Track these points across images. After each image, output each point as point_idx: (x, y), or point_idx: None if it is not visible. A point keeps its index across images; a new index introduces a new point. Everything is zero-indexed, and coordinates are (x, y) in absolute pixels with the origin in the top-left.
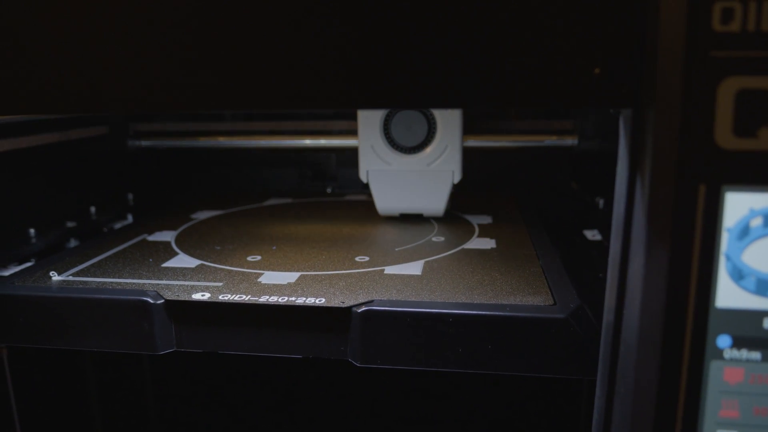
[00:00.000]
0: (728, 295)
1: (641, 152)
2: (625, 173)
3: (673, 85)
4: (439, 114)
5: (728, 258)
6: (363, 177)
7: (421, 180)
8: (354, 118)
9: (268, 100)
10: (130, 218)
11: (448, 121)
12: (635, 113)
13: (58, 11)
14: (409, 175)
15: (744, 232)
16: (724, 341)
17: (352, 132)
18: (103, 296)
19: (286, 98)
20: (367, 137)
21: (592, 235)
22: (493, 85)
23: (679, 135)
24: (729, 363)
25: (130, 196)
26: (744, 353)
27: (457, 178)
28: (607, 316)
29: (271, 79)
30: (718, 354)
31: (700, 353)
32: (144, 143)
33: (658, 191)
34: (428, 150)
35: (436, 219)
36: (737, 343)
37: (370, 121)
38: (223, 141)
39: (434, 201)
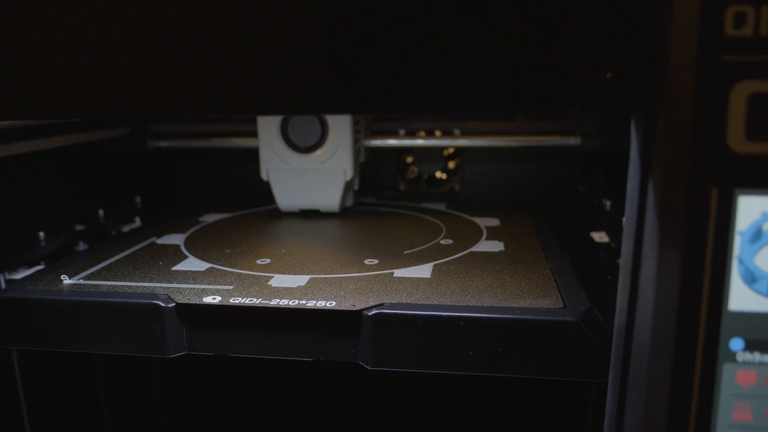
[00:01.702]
0: (741, 298)
1: (653, 156)
2: (637, 176)
3: (686, 89)
4: (331, 117)
5: (741, 261)
6: (264, 175)
7: (316, 178)
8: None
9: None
10: (138, 221)
11: (339, 124)
12: (647, 117)
13: (66, 19)
14: (305, 173)
15: (756, 236)
16: (736, 344)
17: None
18: (114, 300)
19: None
20: (267, 138)
21: (599, 237)
22: (505, 89)
23: (692, 139)
24: (742, 366)
25: (138, 198)
26: (757, 356)
27: (348, 176)
28: (619, 318)
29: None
30: (731, 357)
31: (713, 356)
32: (163, 144)
33: (671, 194)
34: (321, 150)
35: (445, 222)
36: (750, 346)
37: (269, 123)
38: (233, 142)
39: (329, 197)
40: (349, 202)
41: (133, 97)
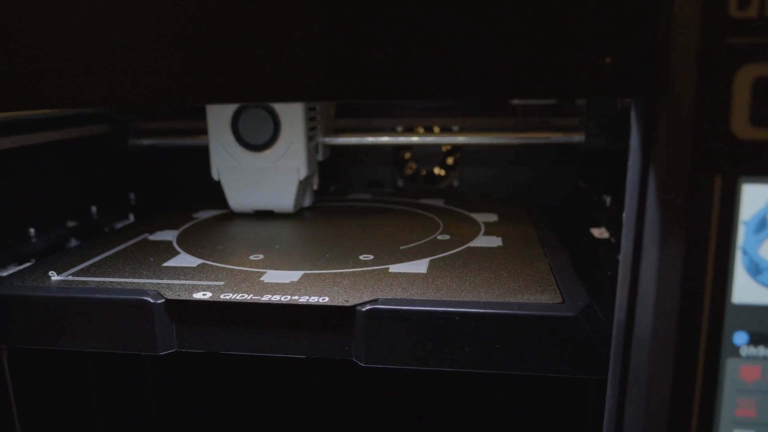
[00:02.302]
0: (745, 290)
1: (654, 143)
2: (637, 165)
3: (688, 74)
4: (283, 112)
5: (745, 252)
6: (215, 175)
7: (269, 177)
8: (359, 115)
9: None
10: (131, 218)
11: (292, 120)
12: (648, 103)
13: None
14: (258, 172)
15: (761, 225)
16: (740, 338)
17: (357, 129)
18: (102, 296)
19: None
20: (218, 136)
21: (599, 233)
22: (501, 75)
23: (694, 125)
24: (746, 360)
25: (132, 195)
26: (761, 350)
27: (302, 175)
28: (619, 313)
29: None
30: (735, 351)
31: (716, 351)
32: (145, 142)
33: (672, 183)
34: (274, 148)
35: (442, 218)
36: (754, 340)
37: (219, 119)
38: None
39: (283, 197)
40: (307, 202)
41: (134, 90)
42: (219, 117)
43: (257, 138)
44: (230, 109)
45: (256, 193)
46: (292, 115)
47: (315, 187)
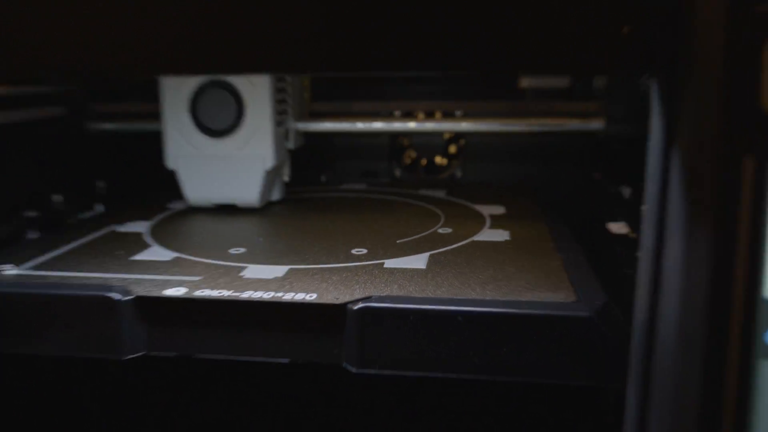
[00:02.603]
0: None
1: (677, 123)
2: (658, 148)
3: (714, 46)
4: (248, 94)
5: None
6: (170, 163)
7: (232, 166)
8: (354, 98)
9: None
10: (101, 208)
11: (258, 102)
12: (670, 79)
13: None
14: (219, 160)
15: None
16: None
17: (350, 113)
18: (62, 292)
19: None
20: (173, 120)
21: (617, 228)
22: (510, 46)
23: (721, 101)
24: None
25: (102, 184)
26: None
27: (269, 165)
28: (639, 313)
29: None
30: None
31: (748, 351)
32: (107, 126)
33: (698, 166)
34: (237, 133)
35: (444, 210)
36: None
37: (175, 101)
38: None
39: (247, 189)
40: (276, 196)
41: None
42: (175, 99)
43: (218, 122)
44: (188, 89)
45: (216, 184)
46: (257, 97)
47: (286, 178)
